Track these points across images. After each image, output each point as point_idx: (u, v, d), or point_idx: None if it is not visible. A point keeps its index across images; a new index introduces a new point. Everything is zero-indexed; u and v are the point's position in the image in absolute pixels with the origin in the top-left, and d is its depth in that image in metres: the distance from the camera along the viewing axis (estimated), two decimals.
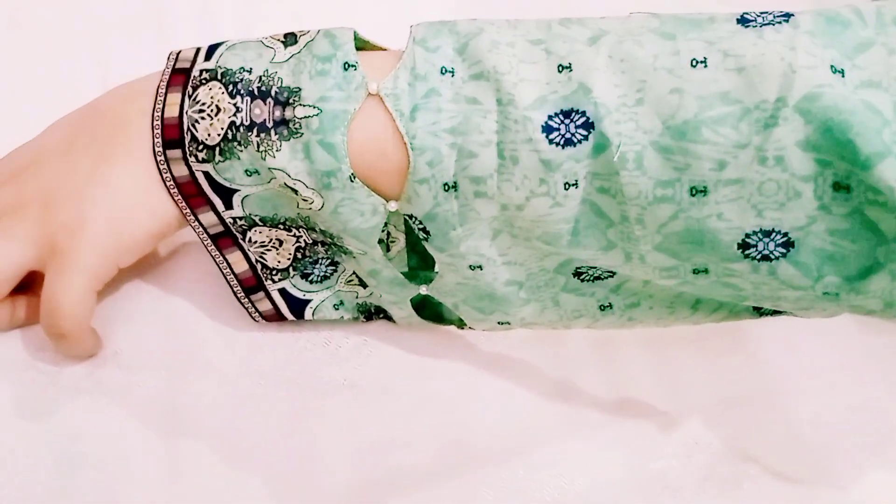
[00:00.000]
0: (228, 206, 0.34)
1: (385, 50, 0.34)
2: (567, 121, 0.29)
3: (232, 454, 0.35)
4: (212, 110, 0.32)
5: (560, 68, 0.30)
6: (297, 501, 0.34)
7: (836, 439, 0.37)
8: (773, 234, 0.29)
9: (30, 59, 0.46)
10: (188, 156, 0.33)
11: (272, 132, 0.31)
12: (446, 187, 0.31)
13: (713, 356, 0.39)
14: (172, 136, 0.33)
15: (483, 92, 0.30)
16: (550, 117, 0.29)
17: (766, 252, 0.29)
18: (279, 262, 0.35)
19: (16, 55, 0.46)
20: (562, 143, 0.29)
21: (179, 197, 0.33)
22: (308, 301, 0.37)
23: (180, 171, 0.33)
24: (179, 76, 0.33)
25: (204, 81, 0.32)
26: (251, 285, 0.36)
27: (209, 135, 0.32)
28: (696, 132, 0.28)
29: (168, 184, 0.33)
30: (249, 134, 0.32)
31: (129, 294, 0.38)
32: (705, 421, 0.37)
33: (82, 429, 0.34)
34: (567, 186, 0.30)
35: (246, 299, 0.36)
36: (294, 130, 0.31)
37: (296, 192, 0.32)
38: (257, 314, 0.37)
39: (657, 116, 0.28)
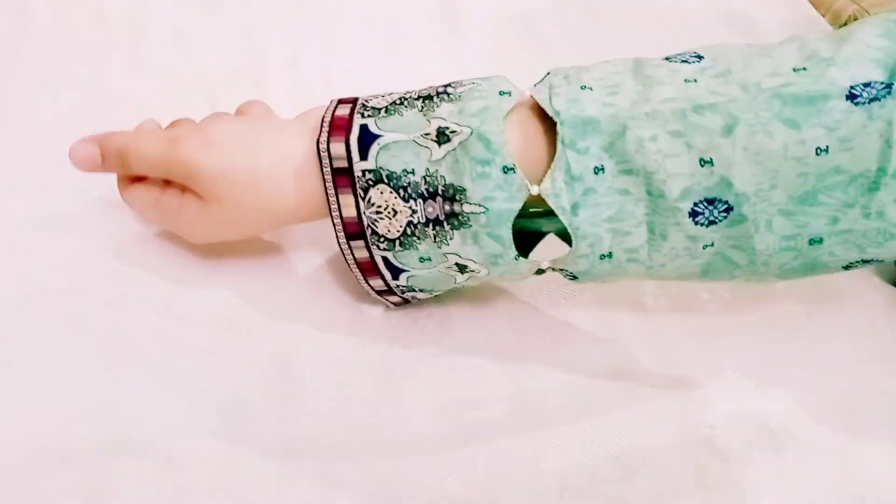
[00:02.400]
0: (395, 276, 0.39)
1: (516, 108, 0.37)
2: (711, 207, 0.34)
3: (335, 406, 0.40)
4: (389, 212, 0.36)
5: (702, 162, 0.33)
6: (388, 446, 0.39)
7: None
8: (872, 261, 0.36)
9: (148, 96, 0.53)
10: (370, 245, 0.38)
11: (444, 224, 0.36)
12: (602, 257, 0.36)
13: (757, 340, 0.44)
14: (354, 230, 0.37)
15: (633, 185, 0.34)
16: (696, 204, 0.34)
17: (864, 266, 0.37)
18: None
19: (135, 95, 0.53)
20: (705, 223, 0.35)
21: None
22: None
23: (362, 254, 0.38)
24: (343, 178, 0.37)
25: (371, 183, 0.36)
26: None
27: (389, 230, 0.37)
28: (814, 198, 0.34)
29: (336, 224, 0.38)
30: (426, 229, 0.36)
31: (246, 271, 0.44)
32: (752, 394, 0.42)
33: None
34: (705, 247, 0.35)
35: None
36: (463, 222, 0.36)
37: (464, 267, 0.37)
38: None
39: (785, 193, 0.34)
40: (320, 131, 0.37)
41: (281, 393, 0.40)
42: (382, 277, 0.39)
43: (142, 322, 0.42)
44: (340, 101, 0.39)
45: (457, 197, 0.35)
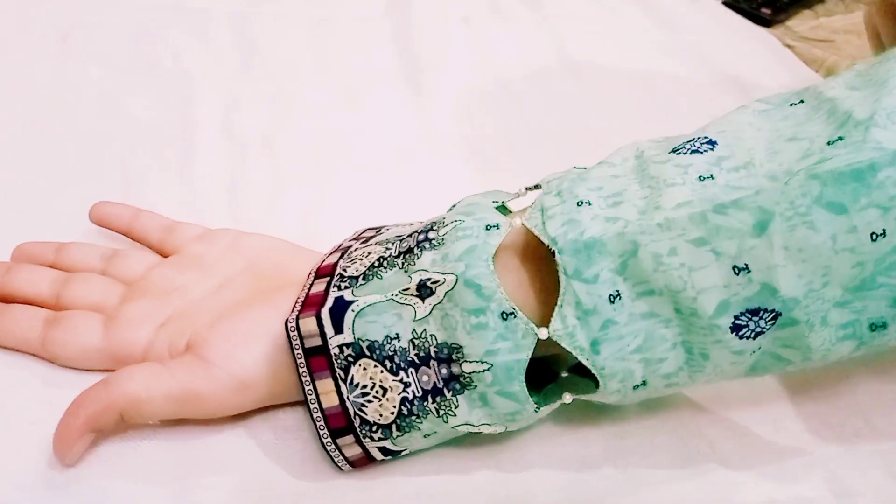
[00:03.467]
0: (392, 457, 0.33)
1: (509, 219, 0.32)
2: (755, 318, 0.29)
3: None
4: (377, 392, 0.31)
5: (736, 270, 0.28)
6: None
7: None
8: None
9: (56, 155, 0.48)
10: (361, 438, 0.31)
11: (445, 391, 0.31)
12: (636, 387, 0.31)
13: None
14: (339, 424, 0.31)
15: (659, 306, 0.29)
16: (737, 317, 0.29)
17: None
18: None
19: (43, 153, 0.48)
20: (752, 336, 0.29)
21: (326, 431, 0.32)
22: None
23: (353, 451, 0.32)
24: (318, 359, 0.31)
25: (351, 360, 0.31)
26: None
27: (381, 415, 0.31)
28: (872, 282, 0.28)
29: (339, 462, 0.32)
30: (425, 403, 0.31)
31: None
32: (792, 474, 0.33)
33: None
34: (752, 353, 0.30)
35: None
36: (466, 384, 0.30)
37: (478, 433, 0.32)
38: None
39: (840, 286, 0.28)
40: (292, 310, 0.32)
41: None
42: (371, 459, 0.33)
43: None
44: (318, 275, 0.34)
45: (453, 357, 0.30)
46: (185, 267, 0.39)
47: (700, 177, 0.29)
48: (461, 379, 0.30)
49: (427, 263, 0.31)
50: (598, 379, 0.30)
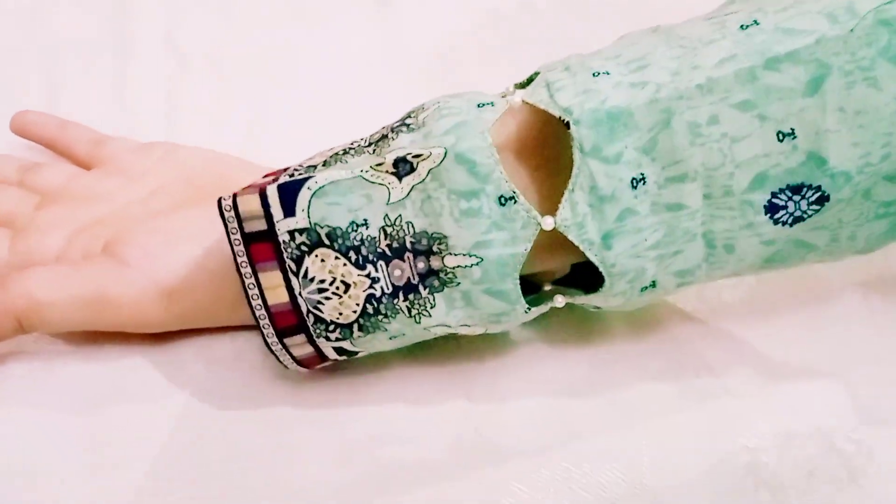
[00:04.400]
0: (347, 355, 0.28)
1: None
2: (797, 197, 0.25)
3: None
4: (337, 288, 0.26)
5: (780, 136, 0.24)
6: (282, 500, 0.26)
7: None
8: None
9: None
10: (315, 338, 0.27)
11: (421, 288, 0.26)
12: (644, 289, 0.27)
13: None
14: (288, 322, 0.26)
15: (688, 195, 0.25)
16: (775, 194, 0.25)
17: None
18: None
19: None
20: (790, 221, 0.25)
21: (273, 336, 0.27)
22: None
23: (303, 351, 0.27)
24: (262, 246, 0.25)
25: (305, 250, 0.25)
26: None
27: (341, 314, 0.26)
28: None
29: (280, 355, 0.27)
30: (395, 300, 0.26)
31: None
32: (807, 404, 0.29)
33: None
34: (780, 247, 0.26)
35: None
36: (447, 280, 0.26)
37: (453, 334, 0.27)
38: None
39: None
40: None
41: None
42: (324, 358, 0.28)
43: None
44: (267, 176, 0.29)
45: (434, 248, 0.25)
46: (110, 174, 0.34)
47: (742, 25, 0.24)
48: (441, 274, 0.25)
49: (406, 143, 0.26)
50: (605, 278, 0.26)
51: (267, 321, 0.26)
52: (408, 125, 0.26)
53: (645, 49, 0.26)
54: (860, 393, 0.29)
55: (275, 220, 0.25)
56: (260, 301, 0.26)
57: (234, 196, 0.26)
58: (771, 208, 0.25)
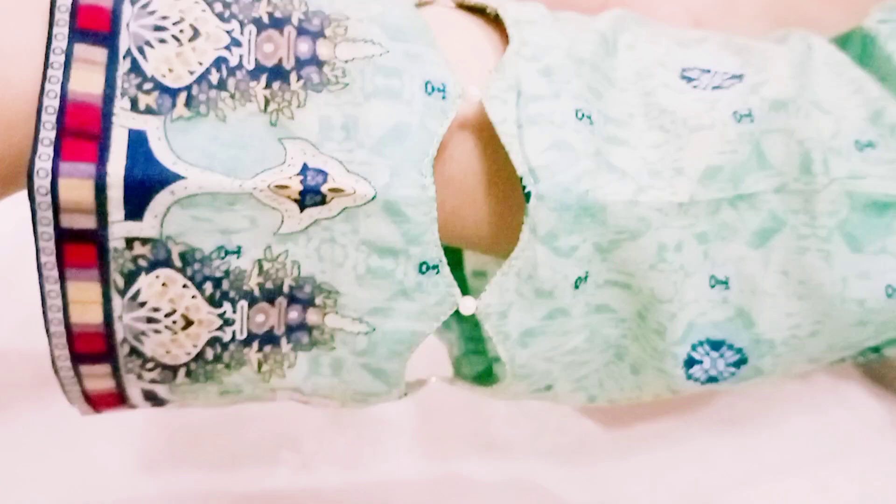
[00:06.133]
0: (157, 403, 0.22)
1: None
2: (715, 354, 0.22)
3: None
4: (174, 322, 0.20)
5: (713, 281, 0.22)
6: None
7: None
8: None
9: None
10: (123, 372, 0.21)
11: (283, 342, 0.21)
12: (537, 390, 0.23)
13: None
14: (91, 349, 0.20)
15: (622, 302, 0.22)
16: (694, 347, 0.22)
17: None
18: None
19: None
20: (703, 379, 0.23)
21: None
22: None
23: (99, 385, 0.21)
24: (82, 248, 0.19)
25: (143, 266, 0.19)
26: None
27: (168, 352, 0.20)
28: (859, 345, 0.23)
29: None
30: (245, 350, 0.21)
31: None
32: None
33: None
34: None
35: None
36: (320, 341, 0.21)
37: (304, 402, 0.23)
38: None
39: (826, 344, 0.23)
40: (38, 122, 0.18)
41: None
42: (123, 401, 0.22)
43: None
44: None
45: (317, 301, 0.20)
46: None
47: (737, 114, 0.22)
48: (315, 332, 0.21)
49: (314, 128, 0.19)
50: (508, 376, 0.22)
51: (63, 340, 0.20)
52: (322, 70, 0.20)
53: (620, 106, 0.22)
54: None
55: (109, 219, 0.19)
56: (60, 314, 0.19)
57: (55, 173, 0.18)
58: (688, 363, 0.22)
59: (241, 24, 0.19)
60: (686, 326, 0.22)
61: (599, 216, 0.21)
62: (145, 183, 0.19)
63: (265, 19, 0.20)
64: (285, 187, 0.19)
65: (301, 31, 0.20)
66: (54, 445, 0.29)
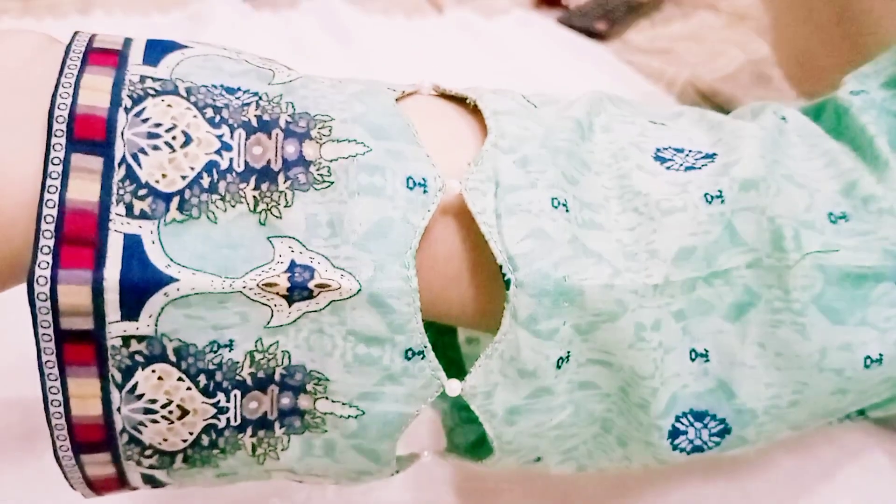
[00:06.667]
0: (154, 485, 0.22)
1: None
2: (698, 425, 0.23)
3: None
4: (171, 412, 0.20)
5: (693, 355, 0.22)
6: None
7: None
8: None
9: None
10: (122, 459, 0.21)
11: (276, 427, 0.21)
12: (525, 463, 0.24)
13: None
14: (91, 438, 0.20)
15: (604, 378, 0.22)
16: (678, 418, 0.23)
17: None
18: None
19: None
20: (688, 449, 0.23)
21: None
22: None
23: (101, 472, 0.21)
24: (81, 347, 0.20)
25: (140, 362, 0.20)
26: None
27: (165, 440, 0.21)
28: (840, 412, 0.24)
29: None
30: (240, 435, 0.21)
31: None
32: None
33: None
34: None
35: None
36: (312, 424, 0.21)
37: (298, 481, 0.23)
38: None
39: (808, 413, 0.23)
40: (38, 224, 0.19)
41: None
42: (123, 484, 0.22)
43: None
44: (75, 139, 0.20)
45: (308, 387, 0.21)
46: None
47: (707, 196, 0.22)
48: (307, 417, 0.21)
49: (301, 226, 0.20)
50: (496, 451, 0.23)
51: (64, 431, 0.20)
52: (306, 162, 0.20)
53: (595, 191, 0.22)
54: None
55: (106, 320, 0.19)
56: (61, 409, 0.20)
57: (54, 280, 0.19)
58: (672, 434, 0.23)
59: (231, 129, 0.20)
60: (669, 399, 0.22)
61: (577, 300, 0.21)
62: (140, 286, 0.19)
63: (254, 122, 0.20)
64: (274, 285, 0.20)
65: (288, 133, 0.20)
66: (44, 494, 0.29)
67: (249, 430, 0.21)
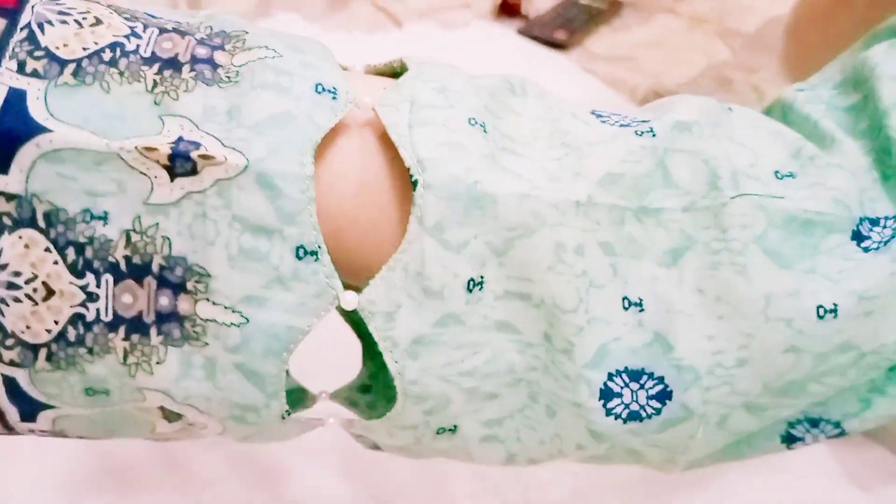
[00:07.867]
0: (29, 416, 0.20)
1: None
2: (634, 385, 0.21)
3: None
4: (35, 290, 0.19)
5: (626, 303, 0.20)
6: None
7: None
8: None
9: None
10: None
11: (152, 332, 0.19)
12: (441, 430, 0.21)
13: None
14: None
15: (525, 321, 0.20)
16: (611, 376, 0.20)
17: None
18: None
19: None
20: (624, 416, 0.21)
21: None
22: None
23: None
24: None
25: (8, 224, 0.19)
26: None
27: (29, 327, 0.19)
28: (800, 389, 0.21)
29: None
30: (112, 335, 0.19)
31: None
32: None
33: None
34: (609, 448, 0.22)
35: None
36: (192, 335, 0.19)
37: (177, 416, 0.20)
38: None
39: (760, 380, 0.21)
40: None
41: None
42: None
43: None
44: None
45: (189, 285, 0.19)
46: None
47: (636, 131, 0.21)
48: (187, 324, 0.19)
49: (197, 110, 0.19)
50: (399, 396, 0.20)
51: None
52: (214, 63, 0.20)
53: (522, 130, 0.21)
54: None
55: None
56: None
57: None
58: (605, 394, 0.20)
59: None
60: (598, 349, 0.20)
61: (490, 209, 0.19)
62: (10, 133, 0.18)
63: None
64: (153, 149, 0.18)
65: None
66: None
67: (122, 331, 0.19)
